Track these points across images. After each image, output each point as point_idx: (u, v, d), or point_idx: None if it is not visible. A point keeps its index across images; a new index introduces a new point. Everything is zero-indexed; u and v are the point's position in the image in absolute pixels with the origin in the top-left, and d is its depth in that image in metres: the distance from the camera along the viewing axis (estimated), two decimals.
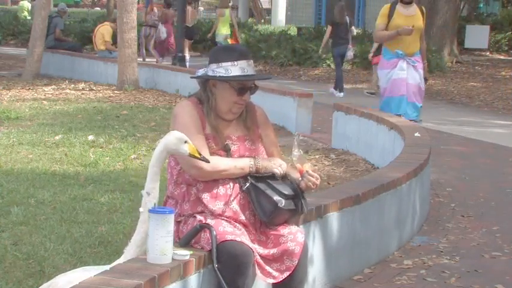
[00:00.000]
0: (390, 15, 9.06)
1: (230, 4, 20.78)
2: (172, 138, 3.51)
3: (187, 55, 19.11)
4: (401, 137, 7.61)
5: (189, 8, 19.57)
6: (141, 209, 3.46)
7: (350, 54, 17.10)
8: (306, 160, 3.83)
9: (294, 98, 11.16)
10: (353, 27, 17.22)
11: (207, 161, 3.57)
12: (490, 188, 8.07)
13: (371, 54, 16.80)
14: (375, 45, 17.21)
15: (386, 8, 9.20)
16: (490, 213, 7.03)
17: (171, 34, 19.81)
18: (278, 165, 3.75)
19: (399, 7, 9.04)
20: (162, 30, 19.43)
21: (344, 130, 9.54)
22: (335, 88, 16.66)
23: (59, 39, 19.54)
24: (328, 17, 39.13)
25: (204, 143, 3.69)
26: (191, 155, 3.50)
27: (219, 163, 3.66)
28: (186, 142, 3.49)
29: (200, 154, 3.52)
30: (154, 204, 3.42)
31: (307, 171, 3.73)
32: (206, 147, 3.68)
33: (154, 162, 3.49)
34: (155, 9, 21.10)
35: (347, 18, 16.70)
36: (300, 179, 3.74)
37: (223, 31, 20.07)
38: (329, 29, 16.87)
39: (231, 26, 20.46)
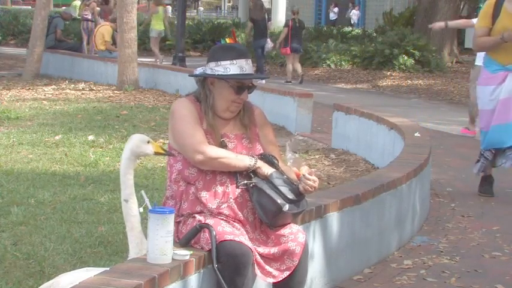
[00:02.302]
0: (495, 15, 7.00)
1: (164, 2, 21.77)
2: (135, 141, 3.52)
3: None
4: (401, 137, 7.61)
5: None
6: (141, 209, 3.46)
7: (268, 46, 18.63)
8: (303, 163, 3.81)
9: (294, 98, 11.16)
10: (270, 23, 19.21)
11: (173, 155, 3.65)
12: None
13: (277, 45, 18.81)
14: (282, 35, 18.75)
15: (489, 5, 7.09)
16: (490, 213, 7.03)
17: None
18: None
19: (507, 3, 6.98)
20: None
21: (344, 130, 9.54)
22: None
23: (59, 40, 19.58)
24: (326, 17, 39.22)
25: (202, 133, 3.70)
26: (156, 153, 3.53)
27: (219, 150, 3.68)
28: (149, 142, 3.51)
29: (165, 150, 3.56)
30: (155, 204, 3.43)
31: (303, 175, 3.72)
32: (205, 138, 3.70)
33: (124, 170, 3.50)
34: (93, 4, 22.00)
35: (265, 15, 18.69)
36: (298, 182, 3.74)
37: (156, 27, 20.71)
38: (250, 25, 18.70)
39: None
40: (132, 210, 3.46)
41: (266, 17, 18.58)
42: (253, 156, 3.73)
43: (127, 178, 3.49)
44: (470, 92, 11.24)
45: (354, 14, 37.49)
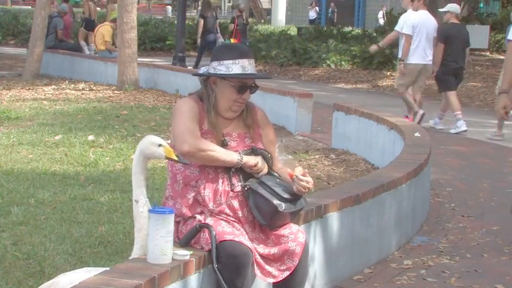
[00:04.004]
0: None
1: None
2: (146, 142, 3.51)
3: (90, 44, 20.57)
4: (401, 137, 7.61)
5: (91, 4, 21.65)
6: (141, 209, 3.46)
7: (220, 41, 19.58)
8: (295, 164, 3.83)
9: (294, 98, 11.16)
10: (218, 20, 20.46)
11: (186, 163, 3.61)
12: (490, 188, 8.08)
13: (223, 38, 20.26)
14: (230, 30, 20.44)
15: None
16: (490, 213, 7.03)
17: (68, 26, 20.93)
18: (260, 174, 3.74)
19: None
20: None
21: (344, 130, 9.54)
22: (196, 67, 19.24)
23: (61, 40, 19.62)
24: (327, 17, 39.31)
25: (197, 128, 3.69)
26: (168, 158, 3.51)
27: (209, 143, 3.67)
28: (160, 145, 3.49)
29: (178, 156, 3.53)
30: (155, 204, 3.43)
31: (296, 176, 3.72)
32: (199, 133, 3.69)
33: (135, 169, 3.49)
34: (55, 3, 23.34)
35: (213, 12, 19.99)
36: (292, 183, 3.74)
37: None
38: (201, 21, 19.66)
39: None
40: (143, 209, 3.44)
41: (215, 14, 20.05)
42: (238, 153, 3.73)
43: (137, 178, 3.47)
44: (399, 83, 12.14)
45: (381, 15, 37.17)
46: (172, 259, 3.36)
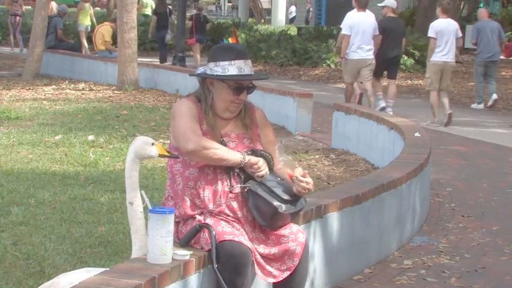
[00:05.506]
0: None
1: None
2: (139, 143, 3.52)
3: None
4: (401, 137, 7.61)
5: (53, 3, 22.48)
6: (140, 209, 3.46)
7: (168, 37, 20.63)
8: (295, 165, 3.83)
9: (294, 98, 11.16)
10: (172, 16, 21.20)
11: (177, 157, 3.64)
12: (490, 188, 8.08)
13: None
14: (188, 27, 20.98)
15: None
16: (490, 213, 7.03)
17: None
18: (260, 174, 3.74)
19: None
20: None
21: (344, 130, 9.55)
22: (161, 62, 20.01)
23: (60, 40, 19.63)
24: (327, 16, 39.26)
25: (198, 128, 3.70)
26: (161, 155, 3.53)
27: (212, 141, 3.68)
28: (153, 144, 3.50)
29: (169, 152, 3.56)
30: (155, 204, 3.43)
31: (296, 177, 3.72)
32: (200, 132, 3.69)
33: (129, 172, 3.49)
34: (21, 1, 24.30)
35: (167, 9, 20.76)
36: (292, 184, 3.74)
37: (84, 22, 22.10)
38: (154, 18, 20.71)
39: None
40: (137, 213, 3.45)
41: (168, 10, 20.73)
42: (241, 152, 3.73)
43: (132, 181, 3.48)
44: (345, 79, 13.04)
45: None
46: (172, 259, 3.36)
